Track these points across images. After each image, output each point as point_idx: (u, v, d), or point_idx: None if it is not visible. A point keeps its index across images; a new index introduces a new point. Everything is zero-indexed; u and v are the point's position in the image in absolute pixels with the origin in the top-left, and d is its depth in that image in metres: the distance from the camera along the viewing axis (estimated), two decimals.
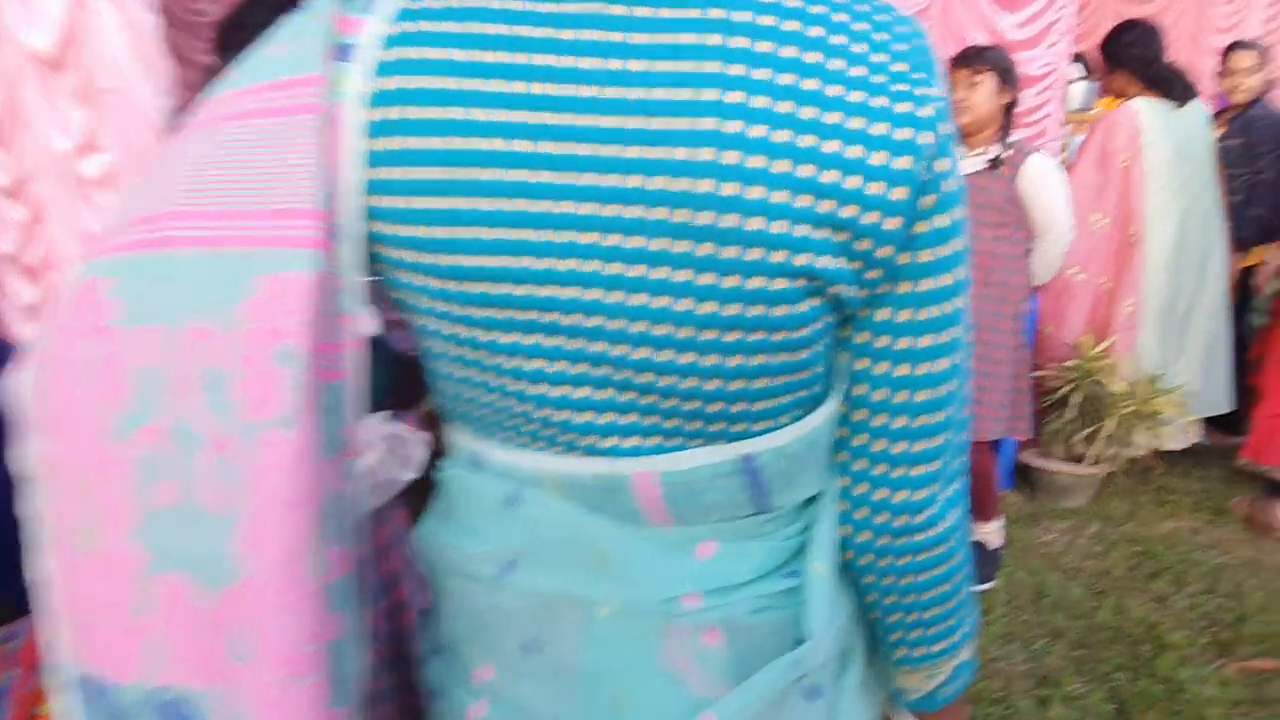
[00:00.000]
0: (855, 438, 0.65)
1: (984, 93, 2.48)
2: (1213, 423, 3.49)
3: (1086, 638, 2.39)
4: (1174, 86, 3.10)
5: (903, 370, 0.62)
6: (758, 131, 0.53)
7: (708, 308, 0.55)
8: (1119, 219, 3.18)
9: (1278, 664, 2.24)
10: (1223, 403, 3.37)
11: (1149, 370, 3.21)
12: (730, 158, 0.53)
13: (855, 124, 0.54)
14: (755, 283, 0.55)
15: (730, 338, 0.57)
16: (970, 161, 2.57)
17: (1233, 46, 3.54)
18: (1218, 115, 3.53)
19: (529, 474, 0.65)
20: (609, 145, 0.54)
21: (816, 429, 0.64)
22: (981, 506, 2.73)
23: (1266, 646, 2.33)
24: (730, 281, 0.55)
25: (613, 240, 0.55)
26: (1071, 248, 3.22)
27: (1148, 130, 3.10)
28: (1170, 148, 3.12)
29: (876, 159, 0.54)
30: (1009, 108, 2.53)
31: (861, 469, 0.65)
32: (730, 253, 0.54)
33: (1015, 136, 2.59)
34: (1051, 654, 2.32)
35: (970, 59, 2.52)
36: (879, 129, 0.54)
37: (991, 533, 2.75)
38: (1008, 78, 2.50)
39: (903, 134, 0.55)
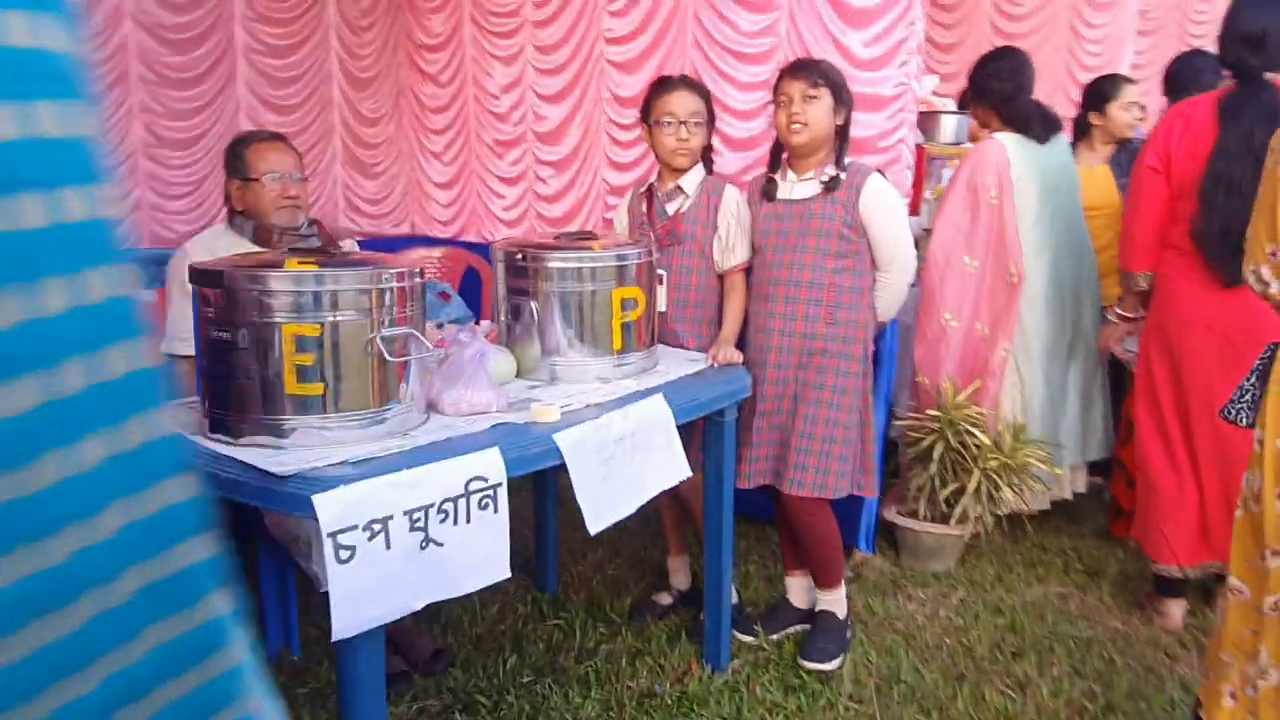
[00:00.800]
0: None
1: (822, 109, 2.21)
2: (1090, 465, 3.25)
3: None
4: (1032, 124, 2.87)
5: None
6: None
7: None
8: (992, 260, 2.93)
9: None
10: (1099, 448, 3.14)
11: (1037, 417, 2.95)
12: None
13: None
14: None
15: None
16: (803, 186, 2.28)
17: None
18: None
19: None
20: None
21: None
22: (827, 572, 2.40)
23: None
24: None
25: None
26: (943, 293, 2.97)
27: (1016, 165, 2.87)
28: (1038, 182, 2.91)
29: None
30: (842, 129, 2.26)
31: None
32: None
33: (872, 162, 2.31)
34: None
35: (809, 70, 2.23)
36: None
37: (837, 601, 2.41)
38: (842, 97, 2.25)
39: None
